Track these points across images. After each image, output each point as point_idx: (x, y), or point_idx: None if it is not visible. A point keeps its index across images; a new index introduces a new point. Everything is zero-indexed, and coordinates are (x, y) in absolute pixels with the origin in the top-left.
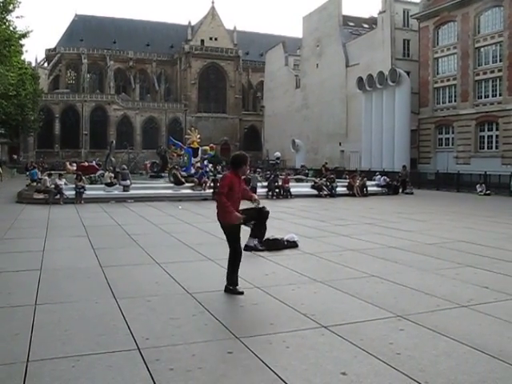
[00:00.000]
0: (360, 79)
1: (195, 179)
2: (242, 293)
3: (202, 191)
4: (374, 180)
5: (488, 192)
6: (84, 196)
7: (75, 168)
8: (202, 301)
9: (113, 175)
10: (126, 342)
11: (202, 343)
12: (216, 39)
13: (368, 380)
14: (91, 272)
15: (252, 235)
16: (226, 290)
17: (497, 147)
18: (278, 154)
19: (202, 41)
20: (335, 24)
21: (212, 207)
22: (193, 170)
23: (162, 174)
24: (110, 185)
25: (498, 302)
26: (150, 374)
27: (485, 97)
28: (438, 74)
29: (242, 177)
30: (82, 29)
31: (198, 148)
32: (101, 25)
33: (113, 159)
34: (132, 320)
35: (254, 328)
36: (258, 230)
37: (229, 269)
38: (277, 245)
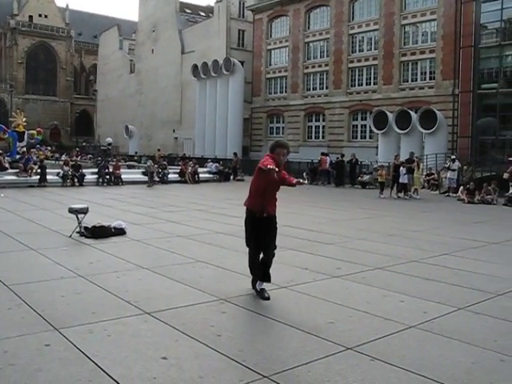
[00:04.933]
0: (195, 67)
1: (20, 165)
2: (268, 298)
3: (28, 178)
4: (206, 167)
5: None
6: None
7: None
8: (20, 293)
9: None
10: None
11: (16, 338)
12: (46, 16)
13: (188, 363)
14: None
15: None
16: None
17: (323, 137)
18: (109, 139)
19: (31, 17)
20: (172, 10)
21: (38, 194)
22: (18, 155)
23: None
24: None
25: (316, 282)
26: None
27: (313, 89)
28: (270, 65)
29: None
30: None
31: (23, 132)
32: None
33: None
34: None
35: (74, 318)
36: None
37: None
38: (104, 232)
